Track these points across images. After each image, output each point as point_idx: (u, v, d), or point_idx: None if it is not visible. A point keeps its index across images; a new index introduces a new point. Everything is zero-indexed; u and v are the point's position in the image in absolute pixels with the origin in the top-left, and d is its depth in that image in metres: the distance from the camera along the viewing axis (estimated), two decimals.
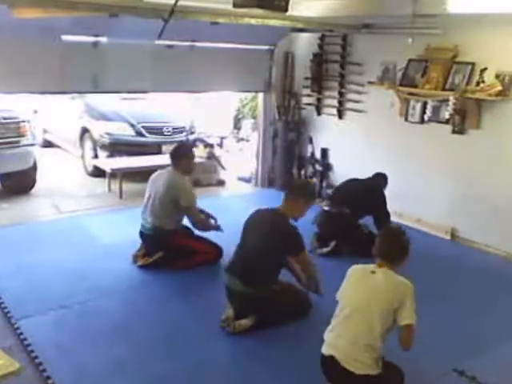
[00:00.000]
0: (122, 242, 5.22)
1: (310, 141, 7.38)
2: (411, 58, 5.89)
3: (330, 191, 6.46)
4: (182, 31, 5.47)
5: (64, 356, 3.40)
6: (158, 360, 3.43)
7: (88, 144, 8.18)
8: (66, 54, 5.46)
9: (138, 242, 4.92)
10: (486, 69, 5.22)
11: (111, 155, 7.78)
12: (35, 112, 9.32)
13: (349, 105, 6.85)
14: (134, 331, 3.79)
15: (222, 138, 9.87)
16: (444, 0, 4.74)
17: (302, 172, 7.45)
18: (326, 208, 5.25)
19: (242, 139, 10.60)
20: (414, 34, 5.06)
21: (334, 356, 2.85)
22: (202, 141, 8.42)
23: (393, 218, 5.60)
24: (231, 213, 6.22)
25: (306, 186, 4.40)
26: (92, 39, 5.58)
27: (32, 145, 6.83)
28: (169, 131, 8.17)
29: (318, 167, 7.26)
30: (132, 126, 7.96)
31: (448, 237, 5.84)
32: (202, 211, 5.03)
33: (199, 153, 7.93)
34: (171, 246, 4.69)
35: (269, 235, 3.72)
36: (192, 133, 8.56)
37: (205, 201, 5.92)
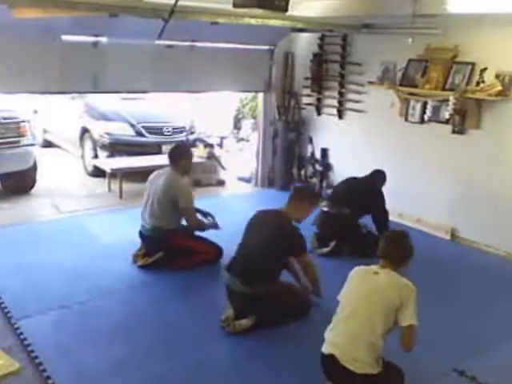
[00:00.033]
0: (122, 242, 5.22)
1: (310, 141, 7.38)
2: (411, 58, 5.89)
3: (329, 191, 6.46)
4: (182, 31, 5.47)
5: (64, 356, 3.40)
6: (157, 360, 3.43)
7: (88, 144, 8.18)
8: (66, 54, 5.46)
9: (138, 242, 4.93)
10: (485, 69, 5.22)
11: (111, 155, 7.78)
12: (35, 112, 9.32)
13: (349, 105, 6.85)
14: (134, 331, 3.79)
15: (222, 138, 9.87)
16: (444, 0, 4.74)
17: (302, 172, 7.45)
18: (325, 209, 5.25)
19: (242, 139, 10.60)
20: (414, 33, 5.06)
21: (334, 355, 2.86)
22: (202, 141, 8.42)
23: (393, 218, 5.62)
24: (231, 213, 6.23)
25: (310, 189, 4.41)
26: (92, 39, 5.58)
27: (32, 145, 6.83)
28: (169, 131, 8.17)
29: (318, 167, 7.26)
30: (132, 125, 7.96)
31: (448, 237, 5.84)
32: (198, 210, 5.03)
33: (199, 153, 7.94)
34: (171, 246, 4.69)
35: (271, 235, 3.73)
36: (192, 133, 8.56)
37: (205, 201, 5.93)
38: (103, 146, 7.85)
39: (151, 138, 8.05)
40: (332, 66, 6.96)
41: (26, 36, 4.90)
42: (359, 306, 2.88)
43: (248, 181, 8.05)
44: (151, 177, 4.93)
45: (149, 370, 3.32)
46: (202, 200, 5.83)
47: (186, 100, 9.90)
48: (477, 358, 3.56)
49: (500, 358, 3.59)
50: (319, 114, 7.29)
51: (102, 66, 5.75)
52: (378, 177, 5.37)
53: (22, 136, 6.58)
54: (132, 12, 4.46)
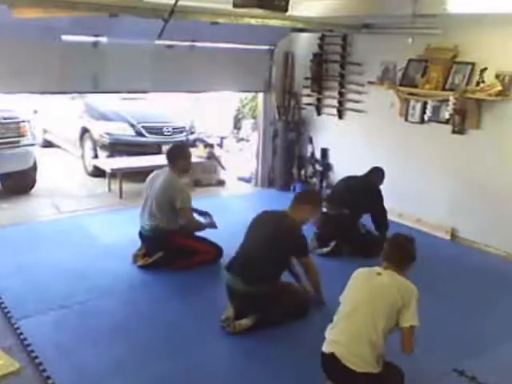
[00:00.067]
0: (122, 242, 5.22)
1: (310, 141, 7.38)
2: (411, 58, 5.89)
3: (329, 191, 6.45)
4: (182, 31, 5.47)
5: (64, 356, 3.40)
6: (158, 360, 3.43)
7: (88, 144, 8.18)
8: (66, 54, 5.46)
9: (138, 241, 4.93)
10: (486, 69, 5.22)
11: (111, 155, 7.78)
12: (35, 112, 9.32)
13: (349, 105, 6.85)
14: (134, 331, 3.79)
15: (222, 138, 9.88)
16: (444, 0, 4.74)
17: (302, 172, 7.44)
18: (325, 210, 5.24)
19: (242, 139, 10.60)
20: (414, 33, 5.06)
21: (334, 354, 2.86)
22: (202, 141, 8.42)
23: (393, 218, 5.63)
24: (231, 213, 6.24)
25: (314, 194, 4.42)
26: (92, 39, 5.58)
27: (32, 145, 6.83)
28: (169, 131, 8.17)
29: (318, 167, 7.26)
30: (132, 125, 7.96)
31: (448, 237, 5.84)
32: (195, 210, 5.02)
33: (199, 153, 7.94)
34: (171, 246, 4.69)
35: (273, 235, 3.75)
36: (192, 133, 8.56)
37: (205, 201, 5.94)
38: (103, 146, 7.85)
39: (151, 138, 8.05)
40: (332, 66, 6.96)
41: (26, 36, 4.90)
42: (362, 304, 2.89)
43: (248, 181, 8.05)
44: (150, 177, 4.94)
45: (149, 370, 3.32)
46: (201, 200, 5.84)
47: (186, 100, 9.91)
48: (477, 358, 3.56)
49: (500, 358, 3.59)
50: (319, 114, 7.29)
51: (101, 66, 5.75)
52: (377, 175, 5.37)
53: (22, 136, 6.58)
54: (132, 12, 4.47)
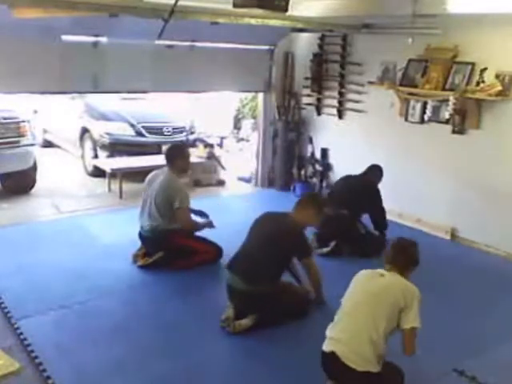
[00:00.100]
0: (122, 242, 5.22)
1: (310, 141, 7.38)
2: (411, 58, 5.89)
3: (328, 191, 6.45)
4: (182, 31, 5.47)
5: (64, 356, 3.40)
6: (157, 360, 3.43)
7: (88, 144, 8.18)
8: (66, 54, 5.46)
9: (138, 241, 4.93)
10: (486, 69, 5.22)
11: (111, 155, 7.78)
12: (35, 112, 9.33)
13: (349, 105, 6.85)
14: (134, 331, 3.79)
15: (222, 138, 9.88)
16: (444, 0, 4.74)
17: (302, 172, 7.44)
18: (325, 210, 5.24)
19: (242, 139, 10.60)
20: (414, 33, 5.06)
21: (334, 352, 2.86)
22: (201, 141, 8.42)
23: (393, 218, 5.63)
24: (231, 213, 6.24)
25: (318, 199, 4.41)
26: (92, 39, 5.58)
27: (32, 145, 6.83)
28: (169, 131, 8.17)
29: (318, 167, 7.25)
30: (132, 125, 7.96)
31: (448, 237, 5.84)
32: (192, 210, 5.01)
33: (199, 153, 7.94)
34: (171, 246, 4.69)
35: (275, 235, 3.76)
36: (192, 133, 8.56)
37: (205, 201, 5.94)
38: (103, 146, 7.85)
39: (151, 138, 8.05)
40: (332, 66, 6.96)
41: (26, 36, 4.90)
42: (364, 303, 2.90)
43: (248, 181, 8.05)
44: (149, 177, 4.93)
45: (149, 370, 3.32)
46: (201, 200, 5.85)
47: (186, 100, 9.90)
48: (477, 357, 3.56)
49: (500, 358, 3.59)
50: (319, 114, 7.29)
51: (101, 66, 5.75)
52: (375, 173, 5.37)
53: (22, 136, 6.58)
54: (132, 12, 4.47)
